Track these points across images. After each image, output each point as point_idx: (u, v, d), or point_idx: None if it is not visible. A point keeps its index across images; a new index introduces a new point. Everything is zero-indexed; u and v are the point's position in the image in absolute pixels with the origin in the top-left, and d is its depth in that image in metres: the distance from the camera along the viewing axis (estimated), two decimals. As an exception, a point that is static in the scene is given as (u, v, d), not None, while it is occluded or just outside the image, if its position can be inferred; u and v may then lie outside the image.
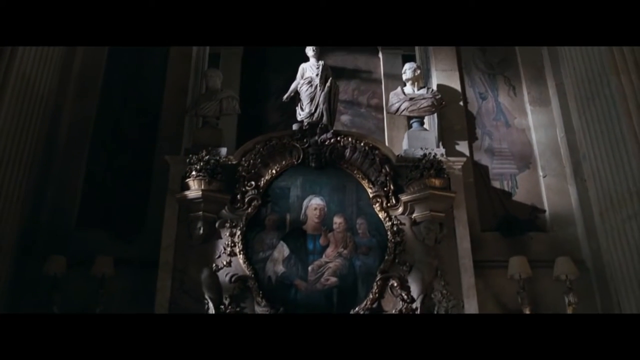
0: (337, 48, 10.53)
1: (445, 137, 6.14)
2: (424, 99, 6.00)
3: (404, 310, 4.95)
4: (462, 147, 6.10)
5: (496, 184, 6.02)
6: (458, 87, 6.42)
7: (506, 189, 6.00)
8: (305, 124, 5.70)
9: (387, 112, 6.63)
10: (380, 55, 10.56)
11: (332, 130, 5.65)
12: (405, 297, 5.00)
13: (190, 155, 5.37)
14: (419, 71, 6.24)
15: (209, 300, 4.98)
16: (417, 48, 7.45)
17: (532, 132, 6.27)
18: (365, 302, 4.98)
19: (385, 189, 5.40)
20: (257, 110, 9.98)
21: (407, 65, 6.33)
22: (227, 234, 5.26)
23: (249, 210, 5.34)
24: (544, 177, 6.02)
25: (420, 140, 5.84)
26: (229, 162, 5.51)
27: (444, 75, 6.49)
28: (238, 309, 4.99)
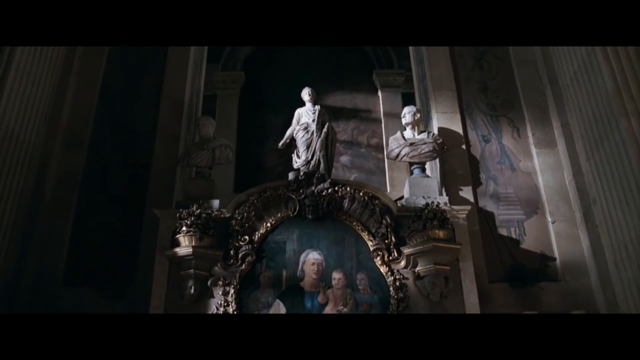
0: (335, 88, 10.42)
1: (448, 182, 5.88)
2: (424, 143, 5.76)
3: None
4: (466, 192, 5.84)
5: (503, 232, 5.73)
6: (460, 130, 6.18)
7: (514, 236, 5.71)
8: (302, 173, 5.45)
9: (387, 158, 6.37)
10: (380, 93, 10.42)
11: (329, 180, 5.39)
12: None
13: (181, 210, 5.11)
14: (418, 115, 6.02)
15: (201, 366, 4.66)
16: (416, 89, 7.23)
17: (539, 175, 6.01)
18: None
19: (386, 241, 5.12)
20: (255, 152, 9.82)
21: (407, 109, 6.10)
22: (220, 292, 4.97)
23: (243, 266, 5.06)
24: (553, 222, 5.73)
25: (422, 187, 5.58)
26: (222, 216, 5.25)
27: (444, 117, 6.26)
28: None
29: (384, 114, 10.06)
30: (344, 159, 9.61)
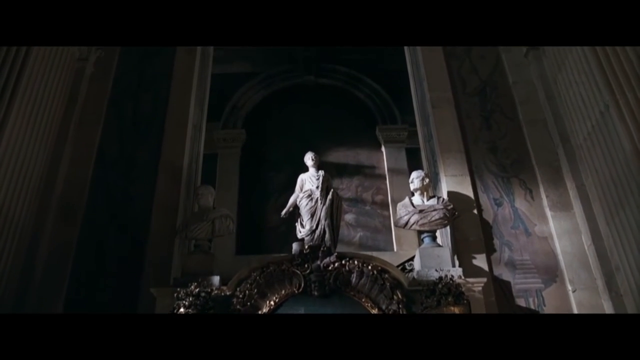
0: (338, 144, 10.24)
1: (461, 250, 5.57)
2: (434, 210, 5.48)
3: None
4: (480, 260, 5.53)
5: (521, 302, 5.39)
6: (470, 193, 5.92)
7: (532, 307, 5.37)
8: (306, 246, 5.16)
9: (396, 226, 6.09)
10: (383, 149, 10.22)
11: (335, 254, 5.09)
12: None
13: (179, 290, 4.80)
14: (427, 180, 5.76)
15: None
16: (423, 150, 6.99)
17: (555, 240, 5.71)
18: None
19: (398, 318, 4.79)
20: (257, 211, 9.55)
21: (415, 174, 5.84)
22: (221, 379, 4.61)
23: (246, 350, 4.71)
24: (574, 291, 5.40)
25: (434, 258, 5.28)
26: (222, 294, 4.94)
27: (454, 180, 6.00)
28: None
29: (388, 170, 9.84)
30: (349, 217, 9.34)
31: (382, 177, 9.91)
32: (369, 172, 10.04)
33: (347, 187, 9.85)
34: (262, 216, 9.53)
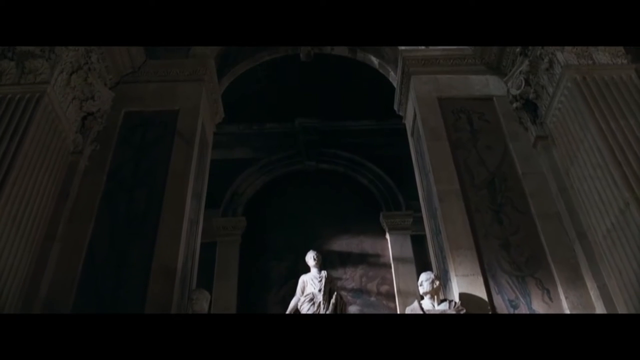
0: (341, 231, 9.93)
1: (476, 359, 5.11)
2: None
3: None
4: (498, 370, 5.05)
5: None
6: (484, 294, 5.50)
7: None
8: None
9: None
10: (388, 236, 9.91)
11: (340, 368, 4.65)
12: None
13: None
14: (437, 282, 5.39)
15: None
16: (430, 246, 6.65)
17: (579, 346, 5.26)
18: None
19: None
20: (257, 302, 9.13)
21: (424, 277, 5.46)
22: None
23: None
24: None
25: (448, 370, 4.81)
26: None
27: (465, 281, 5.60)
28: None
29: (394, 258, 9.50)
30: (353, 309, 8.90)
31: (387, 266, 9.57)
32: (373, 261, 9.69)
33: (351, 276, 9.49)
34: (263, 307, 9.12)
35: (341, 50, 8.88)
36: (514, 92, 6.61)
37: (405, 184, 10.01)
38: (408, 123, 7.75)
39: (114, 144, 6.78)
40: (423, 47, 7.54)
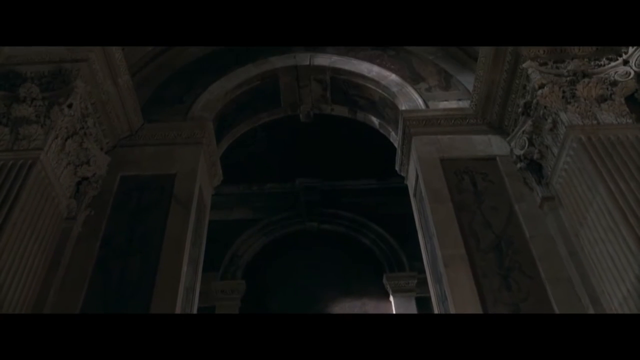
0: (343, 293, 9.66)
1: None
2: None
3: None
4: None
5: None
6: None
7: None
8: None
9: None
10: (392, 299, 9.61)
11: None
12: None
13: None
14: (445, 355, 5.09)
15: None
16: (437, 311, 6.38)
17: (599, 423, 4.92)
18: None
19: None
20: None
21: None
22: None
23: None
24: None
25: None
26: None
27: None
28: None
29: (398, 322, 9.14)
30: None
31: (392, 330, 9.19)
32: (377, 325, 9.36)
33: (354, 342, 9.13)
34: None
35: (341, 111, 8.87)
36: (518, 152, 6.49)
37: (408, 244, 9.78)
38: (410, 184, 7.60)
39: (109, 209, 6.61)
40: (424, 108, 7.50)
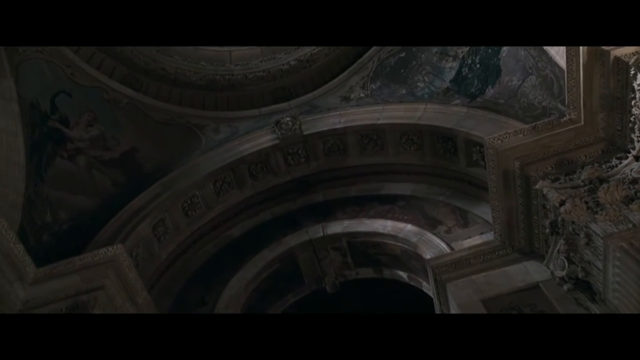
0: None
1: None
2: None
3: None
4: None
5: None
6: None
7: None
8: None
9: None
10: None
11: None
12: None
13: None
14: None
15: None
16: None
17: None
18: None
19: None
20: None
21: None
22: None
23: None
24: None
25: None
26: None
27: None
28: None
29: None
30: None
31: None
32: None
33: None
34: None
35: (366, 272, 8.63)
36: (560, 273, 6.11)
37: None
38: (456, 333, 7.08)
39: None
40: (449, 251, 7.24)
